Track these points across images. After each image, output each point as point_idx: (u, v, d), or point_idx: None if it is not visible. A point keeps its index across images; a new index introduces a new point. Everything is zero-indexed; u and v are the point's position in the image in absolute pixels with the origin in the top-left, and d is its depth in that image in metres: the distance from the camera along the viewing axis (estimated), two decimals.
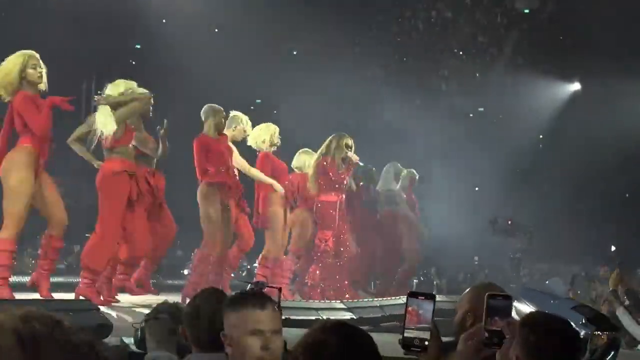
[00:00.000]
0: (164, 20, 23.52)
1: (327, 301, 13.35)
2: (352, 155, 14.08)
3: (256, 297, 4.27)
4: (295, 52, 28.64)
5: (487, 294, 3.60)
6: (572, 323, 3.87)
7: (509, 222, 18.27)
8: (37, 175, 9.98)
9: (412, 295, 3.60)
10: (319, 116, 20.76)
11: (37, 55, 10.12)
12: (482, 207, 24.89)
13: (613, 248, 25.89)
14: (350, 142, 14.06)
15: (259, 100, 24.49)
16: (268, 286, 5.91)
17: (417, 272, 19.35)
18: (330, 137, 14.13)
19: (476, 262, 25.01)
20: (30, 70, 9.98)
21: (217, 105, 12.34)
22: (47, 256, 10.42)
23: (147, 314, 6.20)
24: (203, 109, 12.28)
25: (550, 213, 25.28)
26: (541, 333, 3.53)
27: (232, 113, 12.69)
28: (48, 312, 1.64)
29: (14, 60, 9.97)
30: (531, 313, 3.85)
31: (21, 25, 19.90)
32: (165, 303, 6.38)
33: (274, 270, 13.25)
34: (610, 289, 10.81)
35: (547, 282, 19.66)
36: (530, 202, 25.89)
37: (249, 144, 13.60)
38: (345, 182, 14.00)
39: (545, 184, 26.58)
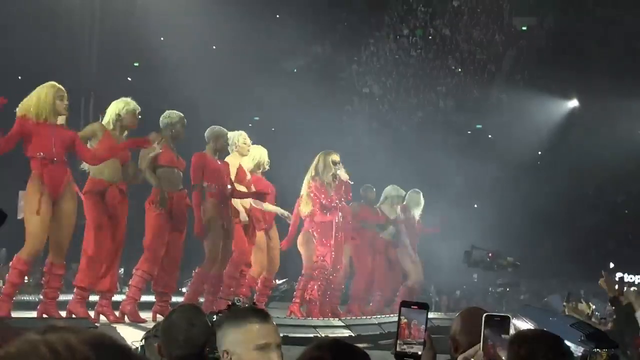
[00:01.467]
0: (162, 38, 23.54)
1: (325, 319, 13.36)
2: (342, 173, 14.02)
3: (258, 311, 4.23)
4: (294, 70, 28.68)
5: (484, 315, 3.59)
6: (567, 339, 3.88)
7: (490, 255, 18.03)
8: (57, 198, 10.05)
9: (405, 304, 3.56)
10: (316, 134, 20.75)
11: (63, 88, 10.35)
12: (482, 224, 24.88)
13: (612, 265, 25.88)
14: (337, 158, 13.99)
15: (256, 118, 24.52)
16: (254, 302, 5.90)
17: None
18: (317, 157, 14.09)
19: (475, 280, 25.00)
20: (58, 102, 10.17)
21: (220, 129, 12.31)
22: (50, 285, 10.41)
23: (147, 332, 6.19)
24: (207, 131, 12.28)
25: (549, 230, 25.29)
26: (531, 348, 3.56)
27: (228, 134, 12.65)
28: (118, 340, 1.61)
29: (48, 89, 10.18)
30: (520, 331, 3.87)
31: (18, 39, 19.95)
32: None
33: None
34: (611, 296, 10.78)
35: (545, 298, 19.66)
36: (527, 218, 25.91)
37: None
38: (337, 202, 13.97)
39: (544, 200, 26.58)
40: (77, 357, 1.47)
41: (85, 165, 10.92)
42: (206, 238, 11.81)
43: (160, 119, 11.62)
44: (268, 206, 13.38)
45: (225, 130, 12.25)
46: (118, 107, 10.89)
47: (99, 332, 1.61)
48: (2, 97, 9.62)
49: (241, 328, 4.02)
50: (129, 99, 10.99)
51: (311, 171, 13.96)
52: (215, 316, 5.85)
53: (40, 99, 10.08)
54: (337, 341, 3.48)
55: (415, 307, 3.56)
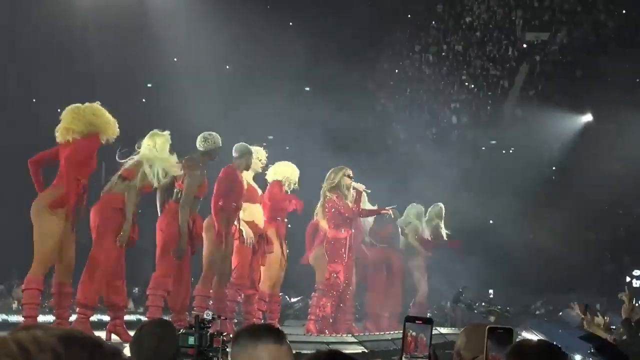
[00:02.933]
0: (175, 59, 23.67)
1: (338, 335, 13.38)
2: (358, 185, 14.11)
3: (273, 330, 4.16)
4: (307, 88, 28.75)
5: (487, 327, 3.63)
6: (575, 351, 3.90)
7: (483, 304, 18.02)
8: (68, 218, 10.07)
9: (410, 320, 3.60)
10: (330, 151, 20.79)
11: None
12: (496, 239, 24.87)
13: (628, 279, 25.80)
14: (350, 172, 14.07)
15: (271, 137, 24.57)
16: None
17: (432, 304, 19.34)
18: (329, 173, 14.12)
19: (491, 296, 24.92)
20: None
21: (250, 146, 12.37)
22: (62, 305, 10.42)
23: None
24: (237, 146, 12.30)
25: (564, 245, 25.23)
26: (530, 359, 3.58)
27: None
28: (89, 334, 1.65)
29: (95, 111, 10.30)
30: (520, 341, 3.89)
31: (31, 63, 20.11)
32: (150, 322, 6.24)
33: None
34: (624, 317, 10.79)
35: (560, 313, 19.60)
36: (543, 234, 25.86)
37: (268, 177, 13.57)
38: (355, 214, 14.02)
39: (559, 215, 26.52)
40: (44, 349, 1.53)
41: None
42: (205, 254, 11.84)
43: (198, 141, 11.65)
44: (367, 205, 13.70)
45: (248, 147, 12.34)
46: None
47: (69, 328, 1.67)
48: None
49: (257, 347, 3.95)
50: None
51: (326, 187, 14.00)
52: (182, 330, 5.88)
53: (110, 121, 10.25)
54: (335, 352, 3.51)
55: (420, 322, 3.59)
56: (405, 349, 3.55)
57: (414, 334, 3.55)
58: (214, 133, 11.68)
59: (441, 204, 17.69)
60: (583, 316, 11.10)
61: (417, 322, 3.57)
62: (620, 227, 28.17)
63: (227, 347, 5.48)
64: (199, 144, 11.60)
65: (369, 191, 14.68)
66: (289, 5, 28.44)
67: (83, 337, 1.62)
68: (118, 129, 10.41)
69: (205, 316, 5.75)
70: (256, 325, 4.45)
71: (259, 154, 12.90)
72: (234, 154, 12.19)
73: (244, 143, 12.30)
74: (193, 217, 11.35)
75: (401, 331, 3.55)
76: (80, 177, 10.10)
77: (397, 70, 32.95)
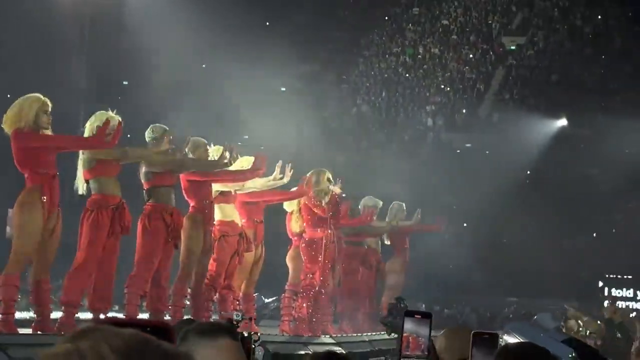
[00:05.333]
0: (151, 57, 23.58)
1: (315, 335, 13.32)
2: (335, 187, 14.06)
3: (228, 327, 4.13)
4: (283, 89, 28.70)
5: (472, 332, 3.60)
6: (557, 355, 3.88)
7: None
8: (50, 214, 9.91)
9: (408, 314, 3.55)
10: (306, 152, 20.77)
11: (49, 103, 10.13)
12: (472, 243, 24.92)
13: (601, 284, 25.88)
14: (330, 176, 14.02)
15: (246, 136, 24.53)
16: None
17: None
18: (309, 174, 14.06)
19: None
20: (43, 116, 10.00)
21: (199, 139, 12.20)
22: (42, 301, 10.29)
23: None
24: (187, 142, 12.13)
25: (537, 249, 25.29)
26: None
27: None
28: (157, 344, 1.55)
29: (33, 101, 9.99)
30: (506, 344, 3.87)
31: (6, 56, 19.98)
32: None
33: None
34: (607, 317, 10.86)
35: (535, 317, 19.64)
36: (517, 238, 25.94)
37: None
38: (331, 214, 13.97)
39: (533, 219, 26.60)
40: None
41: (80, 189, 10.71)
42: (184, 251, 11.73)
43: (146, 133, 11.44)
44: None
45: (204, 140, 12.15)
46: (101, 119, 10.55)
47: (134, 336, 1.56)
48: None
49: (213, 343, 3.89)
50: (111, 113, 10.67)
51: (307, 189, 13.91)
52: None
53: (22, 110, 9.88)
54: (333, 353, 3.48)
55: (419, 316, 3.54)
56: (403, 348, 3.51)
57: (411, 332, 3.51)
58: (158, 125, 11.50)
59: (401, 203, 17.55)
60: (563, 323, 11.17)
61: (415, 316, 3.53)
62: (594, 231, 28.29)
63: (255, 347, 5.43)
64: (147, 135, 11.41)
65: (344, 195, 14.63)
66: (267, 6, 28.42)
67: (148, 348, 1.53)
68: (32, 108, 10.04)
69: (235, 317, 5.68)
70: (208, 323, 4.41)
71: (218, 151, 12.55)
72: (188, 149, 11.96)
73: (193, 137, 12.09)
74: (171, 210, 11.25)
75: (378, 332, 3.51)
76: (38, 169, 9.92)
77: (373, 72, 32.96)
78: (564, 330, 10.46)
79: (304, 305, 13.83)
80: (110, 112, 10.50)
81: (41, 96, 10.00)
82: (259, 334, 5.96)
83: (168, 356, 1.51)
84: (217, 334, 3.89)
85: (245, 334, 5.61)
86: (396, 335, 12.18)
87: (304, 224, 13.97)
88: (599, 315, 15.57)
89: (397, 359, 3.50)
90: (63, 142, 10.43)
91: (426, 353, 3.46)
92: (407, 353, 3.48)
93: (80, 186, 10.44)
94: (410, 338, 3.49)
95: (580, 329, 11.47)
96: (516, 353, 3.73)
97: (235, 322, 5.81)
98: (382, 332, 13.42)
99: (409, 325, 3.50)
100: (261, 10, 27.95)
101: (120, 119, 10.44)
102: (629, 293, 25.75)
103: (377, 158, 27.11)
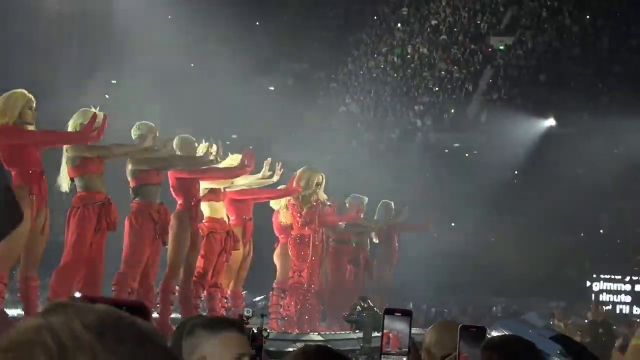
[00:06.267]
0: (139, 56, 23.54)
1: (304, 332, 13.30)
2: (321, 194, 14.02)
3: (235, 320, 4.18)
4: (271, 88, 28.70)
5: (460, 326, 3.60)
6: (545, 351, 3.89)
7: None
8: (39, 212, 9.86)
9: (388, 312, 3.56)
10: (294, 151, 20.75)
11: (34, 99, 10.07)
12: (458, 243, 24.95)
13: (588, 283, 25.95)
14: (321, 178, 13.98)
15: (234, 135, 24.50)
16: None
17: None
18: (299, 172, 14.00)
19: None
20: (28, 112, 9.94)
21: (187, 137, 12.16)
22: (30, 298, 10.27)
23: None
24: (174, 140, 12.08)
25: (525, 248, 25.33)
26: (502, 353, 3.57)
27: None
28: (131, 319, 1.51)
29: (18, 97, 9.91)
30: (492, 337, 3.87)
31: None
32: None
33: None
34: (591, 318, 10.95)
35: (522, 316, 19.67)
36: (505, 237, 26.00)
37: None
38: (313, 217, 13.94)
39: (520, 219, 26.66)
40: (83, 347, 1.42)
41: (64, 186, 10.66)
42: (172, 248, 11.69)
43: (132, 130, 11.38)
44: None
45: (192, 138, 12.11)
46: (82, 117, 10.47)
47: (104, 310, 1.52)
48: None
49: (219, 336, 3.93)
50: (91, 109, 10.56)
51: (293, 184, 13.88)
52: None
53: (7, 106, 9.82)
54: (322, 347, 3.47)
55: (399, 314, 3.55)
56: (384, 347, 3.51)
57: (392, 330, 3.51)
58: (144, 122, 11.43)
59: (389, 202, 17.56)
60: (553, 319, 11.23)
61: (395, 314, 3.53)
62: (581, 231, 28.36)
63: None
64: (133, 132, 11.35)
65: (329, 203, 14.61)
66: (256, 5, 28.41)
67: (122, 324, 1.48)
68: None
69: (245, 313, 5.65)
70: (213, 317, 4.42)
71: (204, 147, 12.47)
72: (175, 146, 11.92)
73: (178, 136, 12.04)
74: (157, 207, 11.23)
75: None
76: (25, 167, 9.89)
77: (361, 72, 32.99)
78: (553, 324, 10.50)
79: (292, 303, 13.84)
80: (92, 109, 10.44)
81: (26, 92, 9.94)
82: (268, 331, 5.95)
83: (142, 333, 1.47)
84: (224, 327, 3.91)
85: (256, 330, 5.61)
86: (361, 333, 12.25)
87: (292, 220, 13.95)
88: (586, 315, 15.67)
89: (379, 358, 3.50)
90: (48, 137, 10.38)
91: (406, 350, 3.46)
92: (388, 350, 3.49)
93: (64, 184, 10.40)
94: (390, 335, 3.50)
95: (566, 329, 11.54)
96: (501, 346, 3.73)
97: (245, 319, 5.81)
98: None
99: (389, 322, 3.51)
100: (250, 9, 27.94)
101: (104, 114, 10.40)
102: (617, 292, 25.85)
103: (365, 157, 27.11)
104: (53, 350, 1.40)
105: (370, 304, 12.74)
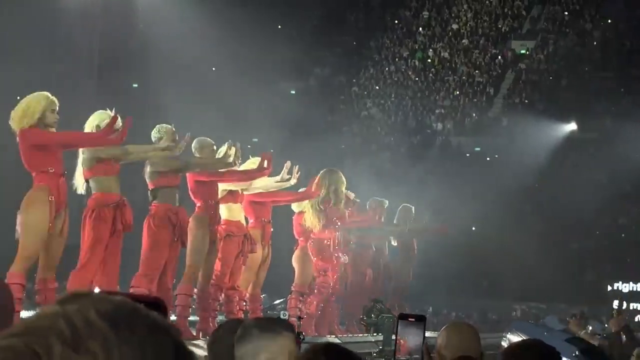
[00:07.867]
0: (161, 60, 23.63)
1: (322, 335, 13.30)
2: (348, 192, 14.05)
3: (286, 322, 4.13)
4: (293, 92, 28.75)
5: (398, 314, 3.63)
6: (561, 354, 3.87)
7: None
8: (57, 214, 9.89)
9: (402, 317, 3.58)
10: (315, 155, 20.77)
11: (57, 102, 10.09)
12: (479, 246, 24.89)
13: (609, 288, 25.85)
14: (343, 178, 14.00)
15: (255, 139, 24.55)
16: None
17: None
18: (321, 174, 14.00)
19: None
20: (49, 114, 9.96)
21: (206, 139, 12.14)
22: (48, 300, 10.30)
23: None
24: (193, 143, 12.07)
25: (546, 252, 25.27)
26: (524, 357, 3.57)
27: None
28: (144, 311, 1.53)
29: (40, 99, 9.94)
30: (512, 342, 3.87)
31: (18, 60, 20.02)
32: None
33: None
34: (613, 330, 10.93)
35: (541, 320, 19.64)
36: (525, 242, 25.92)
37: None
38: (341, 218, 13.96)
39: (541, 223, 26.57)
40: (95, 335, 1.44)
41: (79, 188, 10.67)
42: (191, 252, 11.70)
43: (152, 133, 11.37)
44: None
45: (211, 141, 12.10)
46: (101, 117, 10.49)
47: (119, 302, 1.54)
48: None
49: (278, 338, 3.91)
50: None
51: (324, 192, 13.85)
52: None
53: (29, 108, 9.87)
54: (332, 344, 3.48)
55: (413, 319, 3.56)
56: (397, 352, 3.53)
57: (405, 336, 3.53)
58: (164, 125, 11.42)
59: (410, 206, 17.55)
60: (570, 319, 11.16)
61: (409, 319, 3.55)
62: (603, 235, 28.23)
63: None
64: (153, 135, 11.34)
65: (358, 200, 14.64)
66: (278, 10, 28.46)
67: (137, 315, 1.51)
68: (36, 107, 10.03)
69: (281, 316, 5.68)
70: (265, 318, 4.42)
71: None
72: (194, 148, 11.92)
73: (197, 138, 12.02)
74: (176, 210, 11.25)
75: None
76: (45, 168, 9.93)
77: (383, 76, 32.99)
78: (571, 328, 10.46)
79: (314, 302, 13.80)
80: (108, 111, 10.48)
81: (49, 94, 9.99)
82: (304, 334, 5.97)
83: (157, 325, 1.50)
84: (280, 329, 3.92)
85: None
86: (379, 336, 12.24)
87: (317, 223, 13.91)
88: (607, 321, 15.55)
89: None
90: (70, 139, 10.42)
91: (420, 356, 3.49)
92: (399, 356, 3.51)
93: (79, 185, 10.43)
94: (402, 340, 3.52)
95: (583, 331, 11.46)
96: (524, 350, 3.71)
97: None
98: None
99: (403, 327, 3.53)
100: (272, 14, 27.98)
101: (127, 117, 10.42)
102: (638, 295, 25.75)
103: (385, 161, 27.12)
104: (67, 335, 1.43)
105: (385, 306, 12.75)
